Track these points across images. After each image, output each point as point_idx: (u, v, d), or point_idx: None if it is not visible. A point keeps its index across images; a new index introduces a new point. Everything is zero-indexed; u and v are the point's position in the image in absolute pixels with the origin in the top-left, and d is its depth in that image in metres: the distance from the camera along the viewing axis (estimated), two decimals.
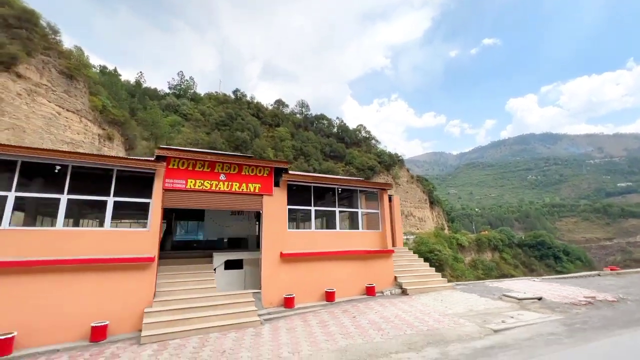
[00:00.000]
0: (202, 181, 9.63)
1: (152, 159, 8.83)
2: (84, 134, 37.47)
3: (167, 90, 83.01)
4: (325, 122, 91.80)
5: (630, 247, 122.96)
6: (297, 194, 12.50)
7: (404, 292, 12.35)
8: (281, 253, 10.71)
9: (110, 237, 7.26)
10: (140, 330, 6.91)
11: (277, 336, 7.82)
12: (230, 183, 10.07)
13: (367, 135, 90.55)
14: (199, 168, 9.70)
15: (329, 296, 11.08)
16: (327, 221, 14.60)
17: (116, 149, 42.77)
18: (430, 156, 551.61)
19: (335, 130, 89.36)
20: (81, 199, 7.20)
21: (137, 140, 48.16)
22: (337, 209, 12.84)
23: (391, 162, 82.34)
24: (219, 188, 9.79)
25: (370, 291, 11.84)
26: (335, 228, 12.86)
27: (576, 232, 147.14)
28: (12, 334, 5.89)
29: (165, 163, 9.18)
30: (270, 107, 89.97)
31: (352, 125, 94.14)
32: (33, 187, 7.12)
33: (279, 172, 11.28)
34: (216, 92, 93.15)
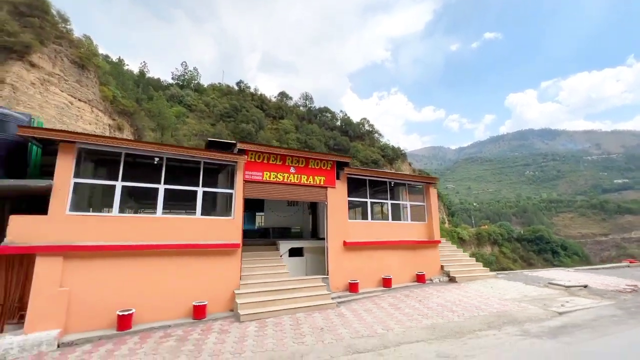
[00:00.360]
0: (275, 173, 10.10)
1: (235, 152, 9.20)
2: (95, 124, 37.62)
3: (170, 81, 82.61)
4: (328, 114, 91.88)
5: (624, 242, 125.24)
6: (351, 186, 13.03)
7: (451, 280, 13.07)
8: (344, 242, 11.30)
9: (202, 225, 7.77)
10: (232, 310, 7.42)
11: (359, 316, 8.44)
12: (299, 175, 10.56)
13: (370, 129, 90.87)
14: (272, 161, 10.16)
15: (386, 282, 11.79)
16: (363, 212, 15.18)
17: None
18: (428, 150, 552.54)
19: (338, 123, 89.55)
20: (174, 189, 7.63)
21: (146, 131, 48.31)
22: (388, 201, 13.51)
23: (394, 156, 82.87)
24: (290, 180, 10.30)
25: (420, 279, 12.54)
26: (371, 219, 13.48)
27: (572, 228, 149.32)
28: (131, 311, 6.47)
29: (245, 156, 9.60)
30: (273, 99, 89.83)
31: (355, 118, 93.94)
32: (136, 178, 7.50)
33: (340, 166, 11.85)
34: (219, 83, 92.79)
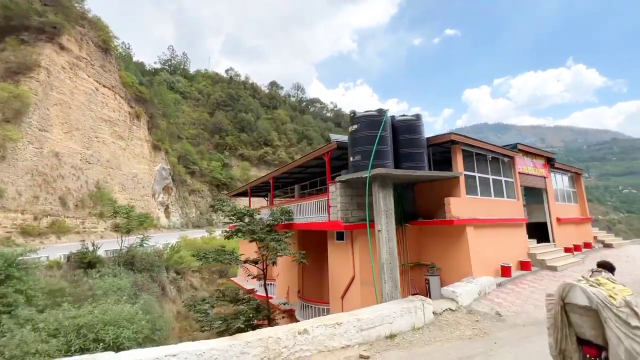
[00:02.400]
0: (527, 167, 12.11)
1: (511, 148, 11.03)
2: (118, 111, 36.48)
3: (154, 65, 78.63)
4: (318, 105, 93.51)
5: None
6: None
7: (607, 246, 15.78)
8: (557, 218, 13.19)
9: (507, 205, 10.17)
10: (524, 269, 9.37)
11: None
12: (535, 168, 12.61)
13: None
14: (523, 157, 12.08)
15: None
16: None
17: (142, 128, 41.82)
18: None
19: (329, 114, 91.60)
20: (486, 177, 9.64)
21: (158, 119, 46.96)
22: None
23: None
24: (530, 172, 12.31)
25: (587, 245, 14.79)
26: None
27: None
28: (510, 264, 8.92)
29: (519, 152, 11.58)
30: (264, 89, 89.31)
31: (344, 110, 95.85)
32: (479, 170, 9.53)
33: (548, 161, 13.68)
34: (206, 69, 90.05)
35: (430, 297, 7.12)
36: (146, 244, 19.71)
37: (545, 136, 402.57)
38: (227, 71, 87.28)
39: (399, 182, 9.03)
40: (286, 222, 10.94)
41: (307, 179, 16.12)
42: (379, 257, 7.03)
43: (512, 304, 7.00)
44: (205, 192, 56.27)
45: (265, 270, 10.36)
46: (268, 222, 10.31)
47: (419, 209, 9.90)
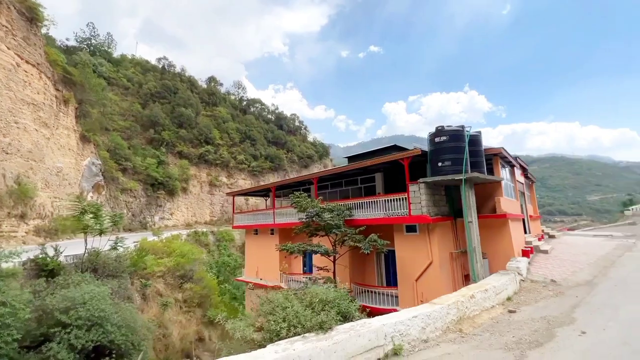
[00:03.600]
0: (518, 175, 15.19)
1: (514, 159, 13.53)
2: (44, 93, 31.07)
3: (67, 42, 67.29)
4: (258, 105, 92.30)
5: None
6: None
7: (551, 237, 20.00)
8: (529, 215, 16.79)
9: (514, 204, 12.72)
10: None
11: None
12: (521, 176, 15.66)
13: (300, 125, 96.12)
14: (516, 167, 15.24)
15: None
16: None
17: (70, 116, 36.10)
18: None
19: (270, 116, 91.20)
20: None
21: (88, 106, 40.81)
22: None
23: (323, 152, 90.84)
24: (519, 179, 15.37)
25: (542, 236, 18.95)
26: None
27: None
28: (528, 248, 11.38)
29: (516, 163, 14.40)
30: (202, 84, 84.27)
31: (286, 112, 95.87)
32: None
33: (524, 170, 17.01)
34: (133, 55, 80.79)
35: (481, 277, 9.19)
36: (120, 246, 17.63)
37: None
38: (159, 60, 79.70)
39: (457, 184, 11.12)
40: (347, 218, 11.90)
41: (331, 181, 17.07)
42: (469, 243, 8.87)
43: (552, 274, 9.67)
44: (139, 192, 50.72)
45: (335, 262, 11.17)
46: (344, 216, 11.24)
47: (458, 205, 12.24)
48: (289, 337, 4.93)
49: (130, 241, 29.93)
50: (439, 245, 9.83)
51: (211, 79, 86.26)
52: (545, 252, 13.23)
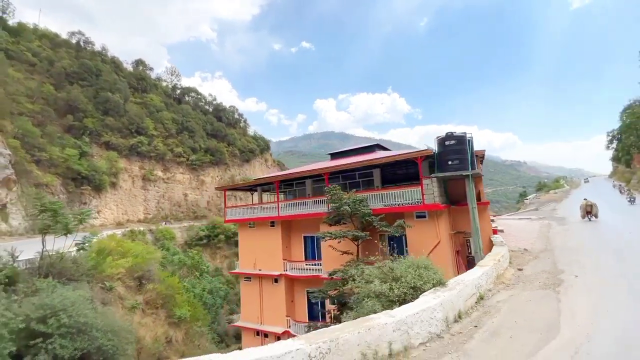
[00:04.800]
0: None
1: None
2: None
3: None
4: (194, 95, 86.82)
5: None
6: None
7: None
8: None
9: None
10: None
11: None
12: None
13: (239, 117, 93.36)
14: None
15: None
16: None
17: None
18: None
19: (207, 107, 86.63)
20: None
21: None
22: None
23: (265, 146, 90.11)
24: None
25: None
26: None
27: None
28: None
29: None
30: (128, 66, 75.54)
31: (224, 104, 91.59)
32: None
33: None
34: (35, 25, 67.87)
35: (471, 251, 12.01)
36: (89, 247, 16.05)
37: None
38: (72, 34, 68.60)
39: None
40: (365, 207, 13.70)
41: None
42: (473, 224, 11.41)
43: (518, 245, 13.07)
44: (57, 187, 43.97)
45: (358, 246, 12.77)
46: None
47: (450, 196, 14.77)
48: (426, 290, 6.75)
49: (69, 242, 26.44)
50: (444, 228, 12.45)
51: (139, 62, 77.86)
52: (502, 231, 17.15)
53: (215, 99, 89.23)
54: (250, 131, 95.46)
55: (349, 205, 12.95)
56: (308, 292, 13.41)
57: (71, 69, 56.91)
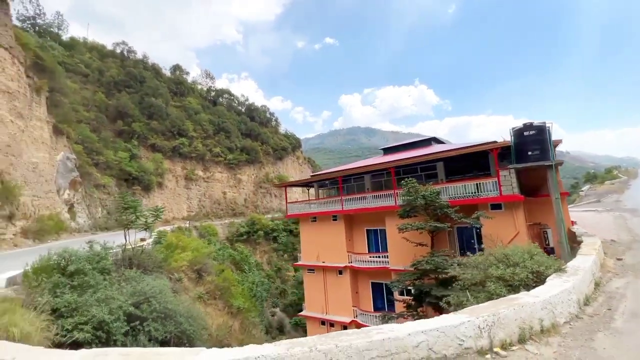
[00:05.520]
0: None
1: None
2: (18, 81, 28.01)
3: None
4: (227, 96, 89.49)
5: None
6: None
7: None
8: None
9: None
10: None
11: None
12: None
13: (270, 116, 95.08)
14: None
15: None
16: None
17: (43, 106, 32.76)
18: None
19: (240, 108, 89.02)
20: None
21: (58, 95, 37.01)
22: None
23: (296, 144, 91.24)
24: None
25: None
26: None
27: None
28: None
29: None
30: (166, 72, 79.37)
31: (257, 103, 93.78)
32: None
33: None
34: (85, 38, 73.11)
35: (548, 243, 11.60)
36: (164, 241, 17.34)
37: (402, 140, 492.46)
38: (117, 45, 73.24)
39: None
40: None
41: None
42: (557, 215, 11.09)
43: (603, 236, 12.61)
44: (112, 188, 47.32)
45: (433, 240, 12.80)
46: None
47: (524, 187, 14.23)
48: (549, 275, 6.85)
49: (133, 238, 28.60)
50: (522, 219, 12.11)
51: (176, 67, 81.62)
52: (575, 222, 16.31)
53: (247, 99, 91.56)
54: (281, 129, 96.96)
55: (424, 198, 12.87)
56: (386, 284, 13.44)
57: (119, 78, 60.83)
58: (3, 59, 26.05)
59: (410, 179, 13.98)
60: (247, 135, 78.41)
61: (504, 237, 12.37)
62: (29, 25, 60.56)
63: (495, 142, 13.62)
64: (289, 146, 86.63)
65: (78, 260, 9.80)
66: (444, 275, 11.60)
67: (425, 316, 12.29)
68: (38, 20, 61.96)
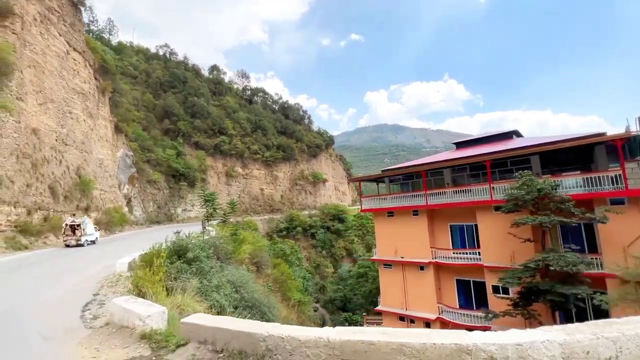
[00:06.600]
0: None
1: None
2: (89, 82, 30.00)
3: None
4: (262, 94, 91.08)
5: None
6: None
7: None
8: None
9: None
10: None
11: None
12: None
13: (303, 114, 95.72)
14: None
15: None
16: None
17: (107, 105, 34.97)
18: None
19: (274, 106, 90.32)
20: None
21: (118, 96, 39.43)
22: None
23: (329, 141, 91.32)
24: None
25: None
26: None
27: None
28: None
29: None
30: (204, 72, 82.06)
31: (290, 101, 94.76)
32: None
33: None
34: (131, 42, 77.18)
35: None
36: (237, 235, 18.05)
37: (430, 137, 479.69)
38: (160, 47, 76.77)
39: None
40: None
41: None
42: None
43: None
44: (162, 183, 49.76)
45: (544, 236, 12.31)
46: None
47: None
48: None
49: (187, 231, 30.09)
50: None
51: (214, 68, 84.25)
52: None
53: (281, 98, 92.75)
54: (315, 127, 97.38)
55: (539, 191, 12.34)
56: (500, 279, 12.99)
57: (164, 79, 63.74)
58: (78, 62, 28.07)
59: (526, 171, 13.40)
60: (282, 133, 79.43)
61: (631, 234, 11.60)
62: (84, 32, 64.86)
63: (603, 133, 12.79)
64: (323, 143, 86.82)
65: (193, 248, 10.30)
66: (570, 272, 11.13)
67: (540, 315, 11.83)
68: (92, 27, 66.02)
